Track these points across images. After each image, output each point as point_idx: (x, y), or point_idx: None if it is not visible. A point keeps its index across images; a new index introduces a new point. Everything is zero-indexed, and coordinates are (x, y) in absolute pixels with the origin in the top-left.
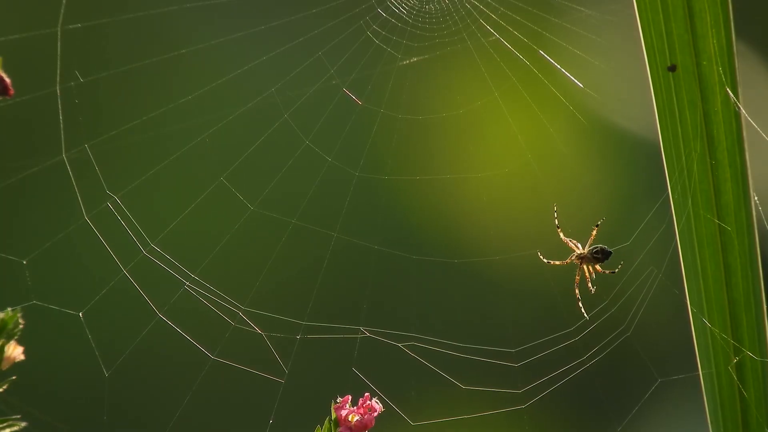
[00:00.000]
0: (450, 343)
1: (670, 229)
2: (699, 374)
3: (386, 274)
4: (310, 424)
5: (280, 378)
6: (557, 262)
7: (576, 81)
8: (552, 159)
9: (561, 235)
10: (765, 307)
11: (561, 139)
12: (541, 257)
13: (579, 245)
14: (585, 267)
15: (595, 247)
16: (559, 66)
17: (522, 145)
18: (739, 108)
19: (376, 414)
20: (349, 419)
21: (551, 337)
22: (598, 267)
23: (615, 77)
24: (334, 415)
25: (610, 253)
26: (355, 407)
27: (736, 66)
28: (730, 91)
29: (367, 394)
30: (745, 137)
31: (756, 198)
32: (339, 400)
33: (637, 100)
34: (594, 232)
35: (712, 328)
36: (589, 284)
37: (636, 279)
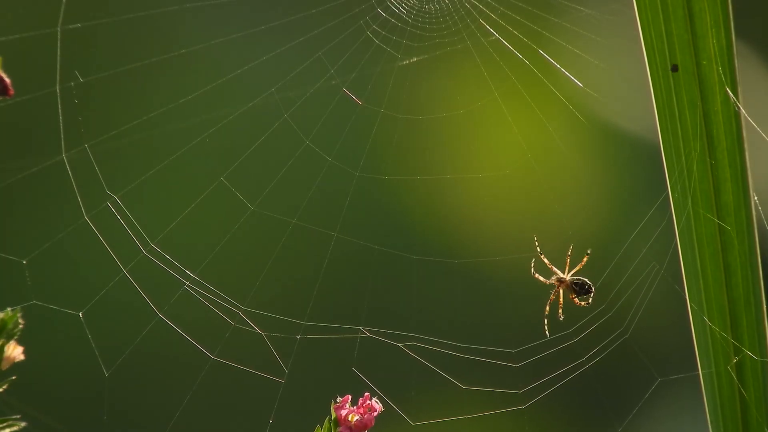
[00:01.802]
0: (450, 343)
1: (670, 229)
2: (699, 374)
3: (386, 273)
4: (310, 424)
5: (280, 378)
6: (541, 279)
7: (576, 81)
8: (552, 159)
9: (545, 260)
10: (765, 307)
11: (561, 139)
12: (533, 268)
13: (560, 271)
14: (561, 292)
15: (579, 279)
16: (559, 66)
17: (522, 146)
18: (739, 108)
19: (376, 414)
20: (349, 419)
21: (552, 338)
22: (574, 297)
23: (615, 77)
24: (334, 415)
25: (591, 290)
26: (355, 407)
27: (736, 66)
28: (730, 91)
29: (367, 393)
30: (745, 137)
31: (756, 198)
32: (339, 399)
33: (637, 100)
34: (584, 260)
35: (712, 326)
36: (560, 311)
37: (635, 279)
